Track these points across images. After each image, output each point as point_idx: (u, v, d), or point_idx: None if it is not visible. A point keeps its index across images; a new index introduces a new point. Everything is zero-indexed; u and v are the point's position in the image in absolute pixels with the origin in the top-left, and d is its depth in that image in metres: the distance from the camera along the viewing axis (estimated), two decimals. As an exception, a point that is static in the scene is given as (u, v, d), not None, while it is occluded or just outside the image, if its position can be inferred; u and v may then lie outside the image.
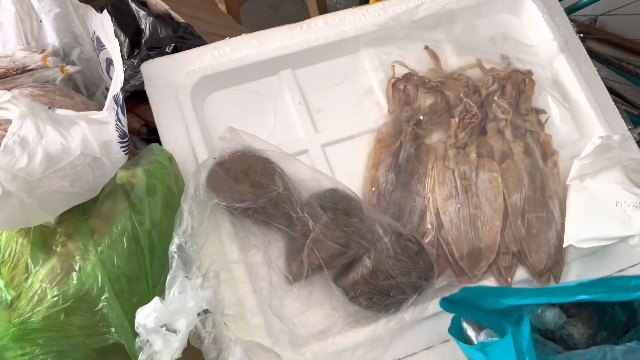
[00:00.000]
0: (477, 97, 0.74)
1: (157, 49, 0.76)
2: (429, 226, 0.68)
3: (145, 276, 0.58)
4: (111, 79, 0.67)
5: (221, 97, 0.73)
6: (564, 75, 0.79)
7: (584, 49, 0.81)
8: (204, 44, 0.79)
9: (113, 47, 0.59)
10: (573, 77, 0.78)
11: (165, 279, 0.60)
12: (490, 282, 0.67)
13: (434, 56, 0.77)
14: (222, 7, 1.09)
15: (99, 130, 0.55)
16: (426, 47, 0.77)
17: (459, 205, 0.68)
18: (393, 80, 0.75)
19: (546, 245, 0.68)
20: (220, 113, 0.72)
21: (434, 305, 0.62)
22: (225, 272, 0.61)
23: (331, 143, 0.72)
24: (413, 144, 0.71)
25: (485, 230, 0.67)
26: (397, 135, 0.72)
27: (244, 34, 0.74)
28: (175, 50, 0.75)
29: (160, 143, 0.68)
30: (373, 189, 0.69)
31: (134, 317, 0.57)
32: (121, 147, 0.62)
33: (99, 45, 0.65)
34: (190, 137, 0.68)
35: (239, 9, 1.14)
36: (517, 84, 0.76)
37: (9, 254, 0.60)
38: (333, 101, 0.74)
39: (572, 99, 0.78)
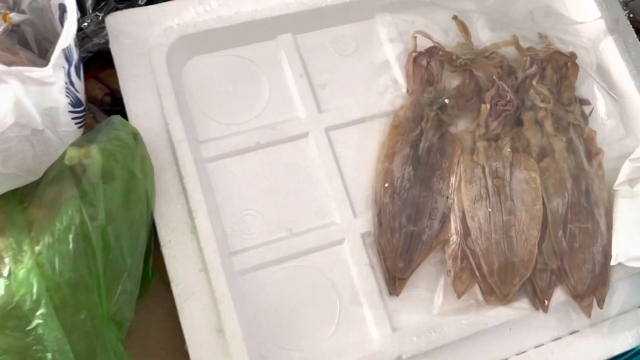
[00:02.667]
0: (512, 81, 0.62)
1: (127, 1, 0.62)
2: (453, 233, 0.56)
3: (96, 285, 0.45)
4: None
5: (204, 63, 0.59)
6: (611, 61, 0.67)
7: (634, 31, 0.69)
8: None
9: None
10: (622, 63, 0.66)
11: (124, 290, 0.47)
12: (523, 303, 0.55)
13: (464, 28, 0.64)
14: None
15: (40, 93, 0.41)
16: (455, 17, 0.64)
17: (489, 209, 0.56)
18: (414, 54, 0.62)
19: (590, 261, 0.56)
20: (202, 82, 0.59)
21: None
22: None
23: (337, 126, 0.59)
24: (436, 132, 0.59)
25: (521, 242, 0.55)
26: (417, 120, 0.59)
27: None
28: (150, 3, 0.61)
29: (125, 116, 0.55)
30: (386, 185, 0.56)
31: (79, 340, 0.44)
32: (72, 118, 0.48)
33: (51, -14, 0.51)
34: (163, 109, 0.55)
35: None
36: (559, 68, 0.64)
37: None
38: (340, 75, 0.61)
39: (619, 88, 0.66)
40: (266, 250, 0.54)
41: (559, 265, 0.56)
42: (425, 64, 0.61)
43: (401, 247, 0.54)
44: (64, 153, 0.49)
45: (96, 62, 0.64)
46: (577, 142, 0.60)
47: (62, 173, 0.48)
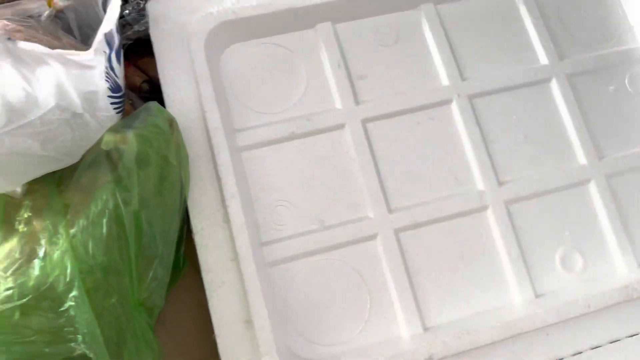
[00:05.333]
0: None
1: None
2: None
3: (128, 270, 0.45)
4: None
5: (242, 51, 0.59)
6: None
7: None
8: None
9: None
10: None
11: (155, 276, 0.47)
12: (562, 309, 0.53)
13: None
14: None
15: (81, 77, 0.41)
16: None
17: None
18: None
19: None
20: (240, 70, 0.58)
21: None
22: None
23: (374, 118, 0.58)
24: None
25: None
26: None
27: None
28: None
29: (162, 103, 0.55)
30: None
31: (109, 324, 0.44)
32: (111, 103, 0.48)
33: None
34: (200, 96, 0.55)
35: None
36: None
37: (-39, 227, 0.47)
38: (381, 67, 0.60)
39: None
40: (297, 242, 0.54)
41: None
42: (468, 56, 0.59)
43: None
44: (101, 138, 0.49)
45: (135, 50, 0.64)
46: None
47: (98, 157, 0.48)
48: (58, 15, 0.59)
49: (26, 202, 0.47)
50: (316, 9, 0.59)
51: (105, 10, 0.53)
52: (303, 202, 0.55)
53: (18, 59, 0.37)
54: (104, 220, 0.45)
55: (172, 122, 0.51)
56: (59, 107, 0.42)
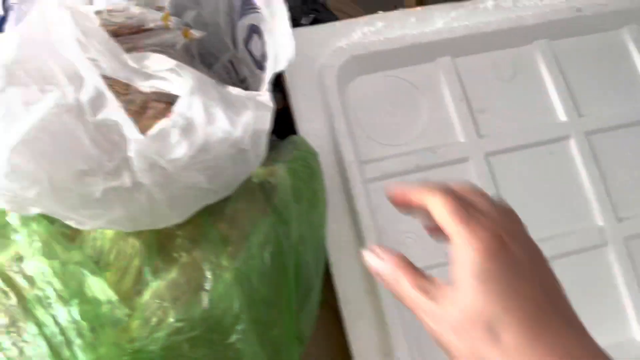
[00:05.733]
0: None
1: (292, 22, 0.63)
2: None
3: (288, 302, 0.46)
4: (250, 52, 0.54)
5: (367, 83, 0.60)
6: None
7: None
8: (337, 19, 0.66)
9: (275, 10, 0.46)
10: None
11: (310, 308, 0.48)
12: None
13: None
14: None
15: (261, 117, 0.42)
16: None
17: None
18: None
19: None
20: (365, 102, 0.59)
21: None
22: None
23: (497, 152, 0.59)
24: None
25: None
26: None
27: (400, 9, 0.61)
28: (316, 22, 0.62)
29: (284, 133, 0.56)
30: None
31: (271, 356, 0.45)
32: (269, 140, 0.49)
33: (244, 8, 0.52)
34: (334, 129, 0.56)
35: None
36: None
37: (116, 256, 0.48)
38: (499, 101, 0.61)
39: None
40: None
41: None
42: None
43: None
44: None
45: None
46: None
47: (251, 190, 0.49)
48: (185, 43, 0.60)
49: (179, 232, 0.48)
50: (437, 44, 0.61)
51: (247, 47, 0.55)
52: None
53: (228, 103, 0.38)
54: (266, 254, 0.46)
55: (316, 156, 0.52)
56: (233, 144, 0.43)
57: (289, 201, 0.48)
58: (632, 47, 0.65)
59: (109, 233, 0.49)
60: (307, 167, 0.50)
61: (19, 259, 0.43)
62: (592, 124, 0.61)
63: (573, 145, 0.60)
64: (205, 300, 0.44)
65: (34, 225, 0.46)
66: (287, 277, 0.46)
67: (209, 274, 0.45)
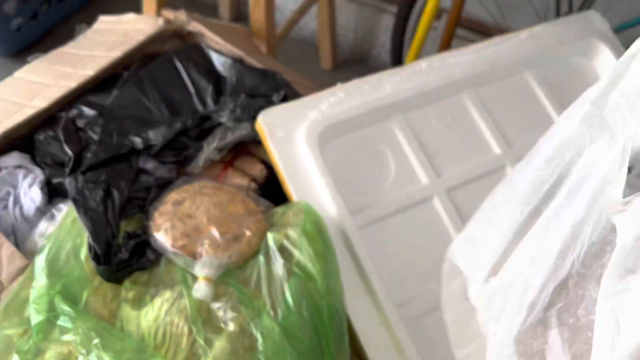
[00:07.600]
0: None
1: (259, 96, 0.72)
2: None
3: (328, 349, 0.53)
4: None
5: (338, 146, 0.70)
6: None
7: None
8: (295, 91, 0.76)
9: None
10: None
11: (340, 356, 0.55)
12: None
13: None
14: (263, 49, 1.05)
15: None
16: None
17: None
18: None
19: None
20: (340, 161, 0.69)
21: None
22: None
23: (456, 187, 0.71)
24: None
25: None
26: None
27: (355, 80, 0.72)
28: (285, 99, 0.71)
29: (276, 198, 0.64)
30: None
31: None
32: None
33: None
34: (324, 188, 0.64)
35: (276, 51, 1.10)
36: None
37: (163, 336, 0.52)
38: (447, 144, 0.73)
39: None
40: (422, 300, 0.64)
41: None
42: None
43: None
44: (266, 237, 0.57)
45: (229, 152, 0.73)
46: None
47: (269, 253, 0.56)
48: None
49: (216, 305, 0.54)
50: (389, 105, 0.72)
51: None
52: (419, 267, 0.66)
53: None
54: (303, 309, 0.53)
55: (321, 217, 0.60)
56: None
57: (313, 260, 0.55)
58: (535, 87, 0.80)
59: (151, 315, 0.53)
60: (317, 227, 0.58)
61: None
62: (520, 152, 0.74)
63: (509, 172, 0.73)
64: (261, 356, 0.50)
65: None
66: (323, 326, 0.53)
67: (257, 334, 0.51)
